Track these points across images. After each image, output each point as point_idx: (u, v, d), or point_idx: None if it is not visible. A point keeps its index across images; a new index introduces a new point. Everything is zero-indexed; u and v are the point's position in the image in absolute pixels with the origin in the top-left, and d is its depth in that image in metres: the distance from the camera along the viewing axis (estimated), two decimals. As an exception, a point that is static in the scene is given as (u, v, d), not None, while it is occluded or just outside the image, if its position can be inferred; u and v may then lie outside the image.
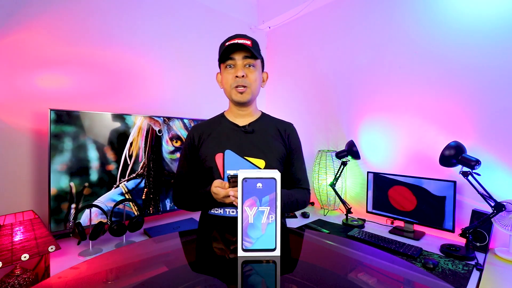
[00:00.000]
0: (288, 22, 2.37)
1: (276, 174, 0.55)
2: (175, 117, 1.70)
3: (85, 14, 1.51)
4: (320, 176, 1.98)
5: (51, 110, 1.24)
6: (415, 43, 1.62)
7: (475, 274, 1.09)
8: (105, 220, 1.31)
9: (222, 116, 1.05)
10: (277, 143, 0.97)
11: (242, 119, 0.99)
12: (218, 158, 0.92)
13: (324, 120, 2.15)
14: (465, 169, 1.28)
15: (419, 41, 1.60)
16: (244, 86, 0.91)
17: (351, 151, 1.76)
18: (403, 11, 1.68)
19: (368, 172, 1.74)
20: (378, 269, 0.58)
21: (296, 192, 0.95)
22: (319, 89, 2.17)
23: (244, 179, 0.54)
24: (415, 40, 1.62)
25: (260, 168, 0.91)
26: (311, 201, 2.17)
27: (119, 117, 1.46)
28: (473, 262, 1.18)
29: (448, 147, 1.34)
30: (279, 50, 2.51)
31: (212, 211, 0.96)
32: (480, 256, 1.24)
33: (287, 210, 0.92)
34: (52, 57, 1.40)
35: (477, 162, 1.24)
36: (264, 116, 1.04)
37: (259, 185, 0.54)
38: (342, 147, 1.90)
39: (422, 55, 1.59)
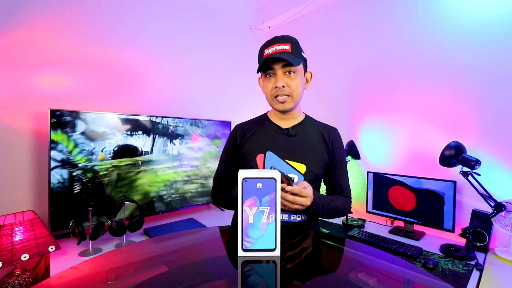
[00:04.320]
0: (288, 22, 2.37)
1: (276, 174, 0.55)
2: (175, 117, 1.70)
3: (85, 14, 1.51)
4: (320, 176, 1.97)
5: (51, 110, 1.25)
6: (415, 43, 1.62)
7: (475, 274, 1.09)
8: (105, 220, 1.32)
9: (265, 116, 1.02)
10: (319, 148, 0.94)
11: (285, 121, 0.97)
12: (259, 159, 0.91)
13: (324, 120, 2.14)
14: (465, 169, 1.28)
15: (419, 41, 1.60)
16: (286, 95, 0.87)
17: (351, 151, 1.76)
18: (403, 11, 1.67)
19: (368, 172, 1.74)
20: (378, 269, 0.58)
21: (336, 199, 0.92)
22: (319, 89, 2.16)
23: (244, 179, 0.54)
24: (415, 40, 1.62)
25: (300, 173, 0.90)
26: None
27: (119, 117, 1.46)
28: (473, 262, 1.18)
29: (448, 147, 1.34)
30: (279, 50, 2.51)
31: None
32: (480, 256, 1.24)
33: (325, 217, 0.91)
34: (52, 57, 1.40)
35: (477, 162, 1.24)
36: (308, 119, 1.02)
37: (259, 185, 0.54)
38: (342, 147, 1.90)
39: (422, 55, 1.59)
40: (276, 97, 0.88)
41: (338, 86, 2.05)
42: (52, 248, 1.02)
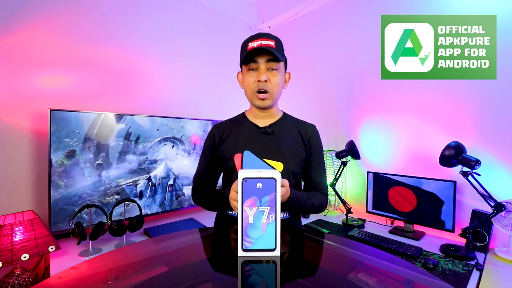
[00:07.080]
0: (288, 22, 2.37)
1: (276, 174, 0.55)
2: (175, 117, 1.70)
3: (86, 14, 1.51)
4: (320, 176, 1.97)
5: (51, 110, 1.25)
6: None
7: (475, 274, 1.10)
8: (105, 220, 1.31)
9: (243, 115, 1.03)
10: (297, 146, 0.95)
11: (262, 120, 0.97)
12: (237, 158, 0.91)
13: (324, 120, 2.15)
14: (465, 169, 1.28)
15: (419, 41, 1.60)
16: (266, 92, 0.88)
17: (351, 151, 1.76)
18: (403, 11, 1.67)
19: (368, 172, 1.74)
20: (378, 269, 0.58)
21: (313, 196, 0.93)
22: (319, 89, 2.17)
23: (244, 179, 0.54)
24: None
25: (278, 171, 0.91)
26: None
27: (119, 117, 1.46)
28: (473, 262, 1.18)
29: (448, 147, 1.34)
30: (279, 50, 2.51)
31: (229, 212, 0.95)
32: (480, 256, 1.24)
33: (302, 213, 0.92)
34: (52, 57, 1.40)
35: (477, 162, 1.24)
36: (285, 117, 1.01)
37: (259, 185, 0.54)
38: (342, 147, 1.90)
39: (422, 55, 1.59)
40: (257, 92, 0.89)
41: (338, 86, 2.05)
42: (52, 248, 1.02)
